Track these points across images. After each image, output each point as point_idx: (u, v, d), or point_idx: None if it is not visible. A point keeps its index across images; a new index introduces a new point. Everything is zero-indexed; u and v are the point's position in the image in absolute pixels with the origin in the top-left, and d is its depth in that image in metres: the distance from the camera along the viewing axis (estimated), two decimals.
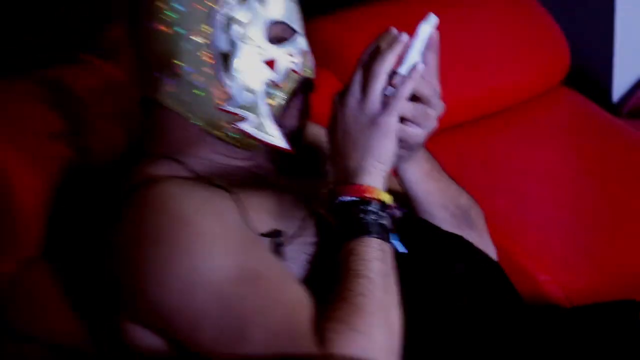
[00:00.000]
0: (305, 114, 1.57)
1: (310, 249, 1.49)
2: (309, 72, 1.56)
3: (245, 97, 1.51)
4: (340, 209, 1.44)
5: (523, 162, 2.43)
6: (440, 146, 2.29)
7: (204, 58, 1.50)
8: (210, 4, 1.50)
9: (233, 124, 1.53)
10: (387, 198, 1.44)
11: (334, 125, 1.47)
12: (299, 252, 1.49)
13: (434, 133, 1.50)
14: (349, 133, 1.45)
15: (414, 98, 1.46)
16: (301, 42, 1.55)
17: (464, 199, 1.69)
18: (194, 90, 1.51)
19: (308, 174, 1.64)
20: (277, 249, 1.47)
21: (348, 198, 1.43)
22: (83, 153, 1.72)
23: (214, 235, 1.40)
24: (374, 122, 1.44)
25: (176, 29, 1.50)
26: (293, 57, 1.53)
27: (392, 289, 1.41)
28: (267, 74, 1.51)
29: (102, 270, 1.48)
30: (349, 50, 2.27)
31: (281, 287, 1.41)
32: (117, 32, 1.64)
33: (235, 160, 1.57)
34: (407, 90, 1.43)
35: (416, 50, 1.46)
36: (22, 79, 1.83)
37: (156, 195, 1.43)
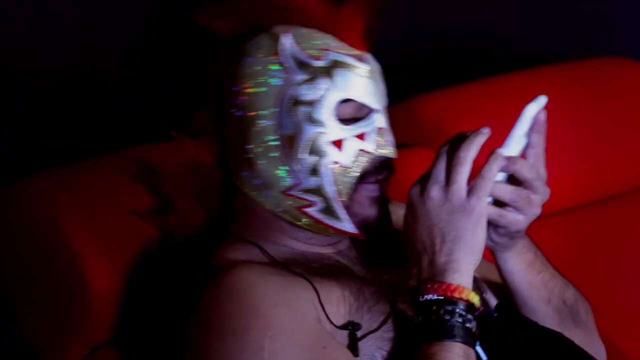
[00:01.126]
0: (382, 201, 1.50)
1: (386, 345, 1.42)
2: (385, 152, 1.50)
3: (311, 181, 1.48)
4: (424, 308, 1.35)
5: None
6: (551, 232, 2.27)
7: (271, 141, 1.49)
8: (279, 86, 1.48)
9: (301, 209, 1.49)
10: (475, 300, 1.36)
11: (416, 218, 1.39)
12: (376, 347, 1.42)
13: (539, 218, 1.43)
14: (433, 224, 1.38)
15: (516, 182, 1.40)
16: (379, 119, 1.49)
17: (571, 293, 1.59)
18: (263, 175, 1.50)
19: (395, 264, 1.57)
20: (353, 343, 1.40)
21: (433, 296, 1.35)
22: (165, 232, 1.70)
23: (286, 330, 1.35)
24: (462, 209, 1.37)
25: (247, 112, 1.50)
26: (366, 136, 1.48)
27: None
28: (334, 156, 1.46)
29: (174, 356, 1.44)
30: (453, 128, 2.23)
31: None
32: (206, 116, 1.63)
33: (315, 247, 1.54)
34: (493, 169, 1.36)
35: (520, 132, 1.42)
36: (112, 156, 1.82)
37: (232, 283, 1.40)
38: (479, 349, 1.40)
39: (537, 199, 1.41)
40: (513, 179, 1.40)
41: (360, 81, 1.48)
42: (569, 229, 2.36)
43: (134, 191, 1.72)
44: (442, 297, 1.34)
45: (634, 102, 2.54)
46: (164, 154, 1.68)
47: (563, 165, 2.36)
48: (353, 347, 1.40)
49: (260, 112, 1.48)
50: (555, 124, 2.34)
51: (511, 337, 1.48)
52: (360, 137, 1.47)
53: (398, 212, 1.52)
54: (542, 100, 1.43)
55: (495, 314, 1.50)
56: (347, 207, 1.48)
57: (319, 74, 1.47)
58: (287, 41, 1.48)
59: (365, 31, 1.52)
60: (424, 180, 1.39)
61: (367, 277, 1.51)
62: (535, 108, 1.42)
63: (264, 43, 1.50)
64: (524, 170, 1.39)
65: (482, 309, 1.39)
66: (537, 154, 1.42)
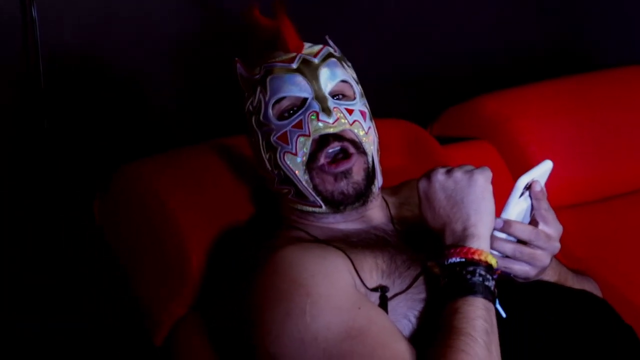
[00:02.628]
0: (341, 176, 1.65)
1: (417, 305, 1.54)
2: (320, 132, 1.64)
3: (279, 174, 1.68)
4: (449, 270, 1.48)
5: None
6: (589, 217, 2.36)
7: (254, 150, 1.72)
8: (245, 106, 1.71)
9: (287, 197, 1.69)
10: (493, 261, 1.48)
11: (430, 201, 1.54)
12: (407, 308, 1.54)
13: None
14: (446, 197, 1.52)
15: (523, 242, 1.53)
16: (312, 105, 1.65)
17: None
18: (264, 176, 1.73)
19: (427, 236, 1.66)
20: (383, 303, 1.53)
21: (457, 259, 1.48)
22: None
23: (325, 296, 1.49)
24: (466, 178, 1.52)
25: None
26: (303, 123, 1.64)
27: (495, 347, 1.43)
28: (283, 148, 1.65)
29: (238, 323, 1.60)
30: (508, 124, 2.42)
31: (384, 342, 1.46)
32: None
33: (349, 224, 1.69)
34: (498, 227, 1.52)
35: (514, 199, 1.52)
36: (203, 146, 2.02)
37: (277, 261, 1.55)
38: (498, 307, 1.49)
39: (542, 253, 1.54)
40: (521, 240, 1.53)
41: (288, 79, 1.66)
42: (583, 221, 2.39)
43: (224, 173, 1.92)
44: (464, 260, 1.46)
45: None
46: (242, 144, 1.87)
47: (622, 155, 2.47)
48: (383, 307, 1.52)
49: (248, 129, 1.72)
50: (618, 119, 2.45)
51: (529, 296, 1.57)
52: (298, 125, 1.64)
53: None
54: (545, 167, 1.56)
55: (511, 274, 1.57)
56: (316, 188, 1.66)
57: (257, 85, 1.69)
58: (239, 69, 1.72)
59: (294, 35, 1.70)
60: (427, 174, 1.56)
61: (401, 247, 1.63)
62: (526, 179, 1.52)
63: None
64: (518, 233, 1.52)
65: (499, 271, 1.51)
66: (541, 215, 1.55)
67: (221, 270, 1.80)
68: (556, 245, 1.56)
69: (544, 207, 1.56)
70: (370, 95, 1.76)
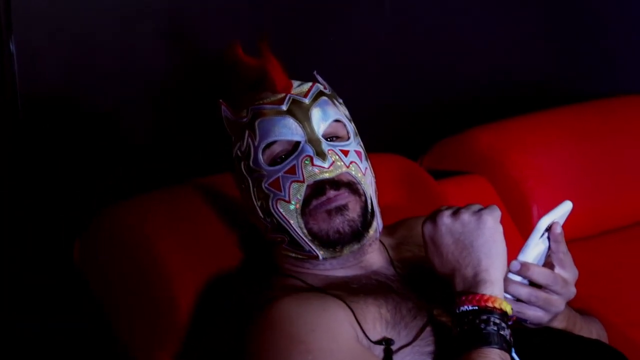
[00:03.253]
0: (335, 212, 1.56)
1: (426, 358, 1.47)
2: (315, 178, 1.56)
3: (271, 222, 1.59)
4: (461, 319, 1.41)
5: None
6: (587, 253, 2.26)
7: (244, 197, 1.63)
8: (233, 151, 1.63)
9: (282, 247, 1.60)
10: (508, 308, 1.41)
11: (437, 245, 1.47)
12: None
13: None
14: (454, 241, 1.45)
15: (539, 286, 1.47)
16: (305, 149, 1.57)
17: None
18: (255, 224, 1.64)
19: (432, 279, 1.59)
20: (388, 358, 1.46)
21: (469, 307, 1.41)
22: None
23: (325, 351, 1.41)
24: (475, 219, 1.45)
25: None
26: (296, 168, 1.56)
27: None
28: (274, 195, 1.56)
29: None
30: (501, 157, 2.37)
31: None
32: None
33: (348, 270, 1.60)
34: (515, 269, 1.46)
35: (533, 241, 1.47)
36: (186, 186, 1.93)
37: (274, 314, 1.46)
38: (514, 356, 1.42)
39: (558, 299, 1.48)
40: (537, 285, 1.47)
41: (278, 122, 1.58)
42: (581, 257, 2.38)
43: (212, 214, 1.83)
44: (477, 308, 1.39)
45: None
46: (228, 182, 1.78)
47: (617, 189, 2.43)
48: None
49: (236, 177, 1.64)
50: (613, 151, 2.41)
51: (546, 345, 1.51)
52: (291, 170, 1.56)
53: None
54: (565, 208, 1.50)
55: (527, 321, 1.51)
56: (311, 230, 1.56)
57: (245, 129, 1.60)
58: (224, 112, 1.64)
59: (282, 74, 1.62)
60: (432, 217, 1.48)
61: (405, 294, 1.55)
62: (548, 220, 1.48)
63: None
64: (535, 276, 1.46)
65: (514, 318, 1.45)
66: (558, 259, 1.50)
67: (211, 320, 1.72)
68: (572, 290, 1.51)
69: (563, 250, 1.50)
70: (357, 127, 1.69)
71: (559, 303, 1.49)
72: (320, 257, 1.57)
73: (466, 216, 1.45)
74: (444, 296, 1.48)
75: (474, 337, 1.38)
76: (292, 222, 1.56)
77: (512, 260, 1.46)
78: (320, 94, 1.63)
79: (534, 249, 1.47)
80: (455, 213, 1.47)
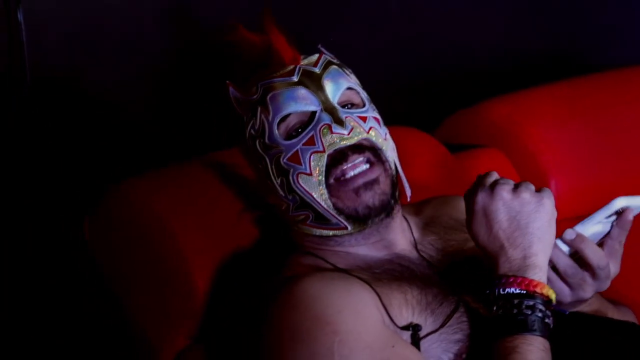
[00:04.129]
0: (363, 188, 1.50)
1: (452, 347, 1.42)
2: (335, 146, 1.51)
3: (294, 199, 1.53)
4: (504, 300, 1.36)
5: None
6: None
7: (261, 178, 1.58)
8: (244, 131, 1.59)
9: (306, 224, 1.54)
10: (553, 296, 1.37)
11: (489, 218, 1.40)
12: (442, 350, 1.42)
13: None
14: (510, 218, 1.38)
15: (583, 264, 1.42)
16: (322, 117, 1.52)
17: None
18: (275, 205, 1.59)
19: (460, 260, 1.57)
20: (415, 343, 1.41)
21: (516, 290, 1.35)
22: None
23: (354, 333, 1.36)
24: (535, 201, 1.39)
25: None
26: (315, 139, 1.51)
27: None
28: (295, 169, 1.51)
29: (251, 356, 1.48)
30: (517, 130, 2.31)
31: None
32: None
33: (372, 251, 1.55)
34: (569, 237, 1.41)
35: (600, 217, 1.41)
36: (196, 162, 1.87)
37: (299, 293, 1.41)
38: None
39: (592, 284, 1.43)
40: (581, 262, 1.41)
41: (291, 93, 1.53)
42: None
43: (225, 191, 1.76)
44: (525, 292, 1.34)
45: None
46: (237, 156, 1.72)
47: (599, 169, 2.33)
48: (416, 347, 1.40)
49: (250, 157, 1.59)
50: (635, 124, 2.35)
51: (583, 334, 1.46)
52: (310, 142, 1.50)
53: (459, 205, 1.56)
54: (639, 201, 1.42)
55: (567, 312, 1.48)
56: (337, 206, 1.51)
57: (257, 106, 1.55)
58: (232, 93, 1.58)
59: (288, 46, 1.58)
60: (487, 185, 1.42)
61: (431, 279, 1.51)
62: (625, 202, 1.40)
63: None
64: (587, 251, 1.40)
65: (557, 305, 1.40)
66: (612, 247, 1.43)
67: (228, 300, 1.66)
68: (607, 284, 1.44)
69: (621, 240, 1.44)
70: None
71: (590, 289, 1.43)
72: (349, 229, 1.52)
73: (527, 195, 1.39)
74: (473, 282, 1.44)
75: (518, 323, 1.33)
76: (315, 195, 1.51)
77: (568, 228, 1.40)
78: (330, 63, 1.59)
79: (594, 226, 1.41)
80: (516, 189, 1.40)
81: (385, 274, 1.50)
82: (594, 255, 1.40)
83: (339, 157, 1.50)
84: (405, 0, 2.61)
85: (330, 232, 1.54)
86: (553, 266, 1.40)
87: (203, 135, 2.27)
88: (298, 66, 1.55)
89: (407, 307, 1.43)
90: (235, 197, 1.75)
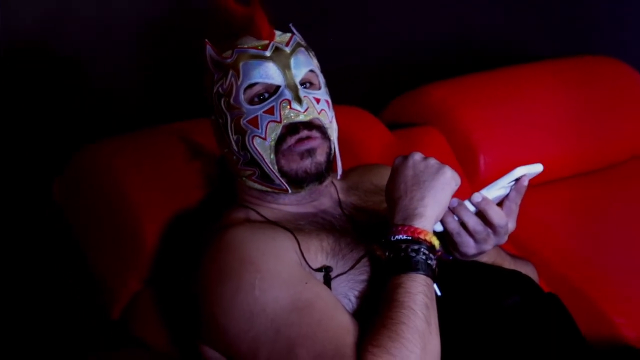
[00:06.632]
0: (306, 154, 1.65)
1: (358, 286, 1.57)
2: (291, 120, 1.65)
3: (245, 155, 1.67)
4: (394, 246, 1.51)
5: (615, 215, 2.46)
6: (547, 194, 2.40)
7: (219, 130, 1.70)
8: (212, 87, 1.69)
9: (251, 178, 1.69)
10: (436, 243, 1.51)
11: (398, 173, 1.56)
12: (348, 288, 1.57)
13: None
14: (413, 175, 1.54)
15: (487, 222, 1.55)
16: (284, 93, 1.65)
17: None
18: (226, 157, 1.71)
19: (374, 218, 1.71)
20: (326, 283, 1.56)
21: (403, 237, 1.50)
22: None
23: (272, 272, 1.52)
24: (436, 168, 1.54)
25: (211, 116, 1.73)
26: (274, 109, 1.64)
27: (434, 321, 1.46)
28: (252, 132, 1.64)
29: (190, 297, 1.62)
30: (452, 111, 2.47)
31: (330, 314, 1.49)
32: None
33: (300, 206, 1.70)
34: (476, 200, 1.53)
35: (502, 183, 1.54)
36: (162, 129, 2.03)
37: (229, 239, 1.58)
38: (434, 286, 1.51)
39: (493, 239, 1.56)
40: (485, 220, 1.54)
41: (262, 66, 1.65)
42: (559, 195, 2.49)
43: (180, 155, 1.92)
44: (410, 238, 1.49)
45: (615, 93, 2.68)
46: (199, 128, 1.89)
47: (555, 142, 2.51)
48: (327, 286, 1.55)
49: (214, 110, 1.70)
50: (551, 108, 2.49)
51: (462, 276, 1.60)
52: (270, 111, 1.64)
53: (384, 173, 1.71)
54: (537, 168, 1.55)
55: (450, 258, 1.61)
56: (281, 169, 1.66)
57: (229, 68, 1.67)
58: (208, 50, 1.69)
59: (267, 23, 1.69)
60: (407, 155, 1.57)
61: (346, 231, 1.66)
62: (523, 170, 1.54)
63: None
64: (490, 212, 1.53)
65: (440, 252, 1.53)
66: (510, 208, 1.57)
67: (174, 247, 1.82)
68: (505, 239, 1.58)
69: (517, 202, 1.58)
70: (327, 83, 1.77)
71: (491, 243, 1.57)
72: (289, 191, 1.67)
73: (433, 162, 1.55)
74: (380, 236, 1.55)
75: (404, 263, 1.48)
76: (265, 157, 1.65)
77: (475, 192, 1.54)
78: (298, 45, 1.71)
79: (497, 191, 1.55)
80: (427, 157, 1.56)
81: (307, 225, 1.65)
82: (496, 215, 1.54)
83: (291, 129, 1.64)
84: None
85: (270, 190, 1.69)
86: (462, 223, 1.55)
87: (173, 104, 2.35)
88: (272, 42, 1.68)
89: (322, 253, 1.59)
90: (190, 160, 1.91)
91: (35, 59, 2.27)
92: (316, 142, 1.66)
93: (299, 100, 1.64)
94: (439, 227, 1.55)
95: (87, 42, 2.31)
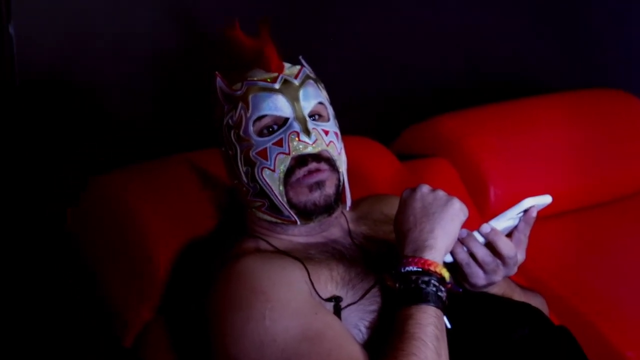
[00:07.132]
0: (315, 187, 1.66)
1: (368, 316, 1.57)
2: (299, 152, 1.66)
3: (254, 187, 1.68)
4: (405, 278, 1.51)
5: (624, 248, 2.48)
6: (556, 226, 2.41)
7: (228, 162, 1.72)
8: (222, 119, 1.70)
9: (260, 210, 1.70)
10: (446, 275, 1.52)
11: (407, 206, 1.57)
12: (358, 318, 1.57)
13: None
14: (421, 207, 1.55)
15: (496, 253, 1.55)
16: (293, 125, 1.66)
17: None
18: (235, 188, 1.73)
19: (384, 247, 1.72)
20: (336, 313, 1.56)
21: (413, 268, 1.51)
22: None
23: (283, 301, 1.52)
24: (445, 200, 1.56)
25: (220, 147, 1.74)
26: (283, 141, 1.65)
27: (444, 352, 1.47)
28: (261, 163, 1.65)
29: (200, 326, 1.62)
30: (462, 142, 2.48)
31: (340, 344, 1.49)
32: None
33: (310, 237, 1.71)
34: (485, 231, 1.54)
35: (512, 214, 1.55)
36: (174, 159, 2.03)
37: (240, 268, 1.59)
38: (444, 318, 1.51)
39: (502, 270, 1.57)
40: (494, 251, 1.55)
41: (271, 98, 1.67)
42: (568, 227, 2.51)
43: (192, 186, 1.93)
44: (421, 269, 1.50)
45: (625, 126, 2.70)
46: (211, 158, 1.88)
47: (564, 174, 2.52)
48: (337, 316, 1.55)
49: (223, 142, 1.71)
50: (561, 140, 2.51)
51: (471, 308, 1.60)
52: (278, 143, 1.65)
53: (394, 202, 1.70)
54: (545, 200, 1.56)
55: (460, 290, 1.62)
56: (290, 201, 1.66)
57: (238, 101, 1.68)
58: (219, 83, 1.71)
59: (276, 56, 1.71)
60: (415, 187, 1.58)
61: (356, 260, 1.66)
62: (532, 202, 1.54)
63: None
64: (499, 243, 1.54)
65: (450, 285, 1.54)
66: (519, 239, 1.58)
67: (185, 276, 1.82)
68: (514, 270, 1.59)
69: (526, 233, 1.59)
70: (337, 113, 1.78)
71: (500, 274, 1.57)
72: (298, 223, 1.67)
73: (441, 193, 1.56)
74: (391, 266, 1.57)
75: (415, 295, 1.49)
76: (274, 189, 1.66)
77: (484, 223, 1.55)
78: (308, 77, 1.72)
79: (506, 222, 1.55)
80: (435, 189, 1.57)
81: (317, 255, 1.66)
82: (505, 246, 1.55)
83: (300, 161, 1.65)
84: (372, 21, 2.71)
85: (279, 221, 1.69)
86: (472, 254, 1.56)
87: (184, 134, 2.33)
88: (281, 75, 1.69)
89: (332, 282, 1.59)
90: (202, 190, 1.92)
91: (50, 90, 2.28)
92: (325, 174, 1.67)
93: (307, 133, 1.65)
94: (448, 258, 1.56)
95: (101, 73, 2.32)
